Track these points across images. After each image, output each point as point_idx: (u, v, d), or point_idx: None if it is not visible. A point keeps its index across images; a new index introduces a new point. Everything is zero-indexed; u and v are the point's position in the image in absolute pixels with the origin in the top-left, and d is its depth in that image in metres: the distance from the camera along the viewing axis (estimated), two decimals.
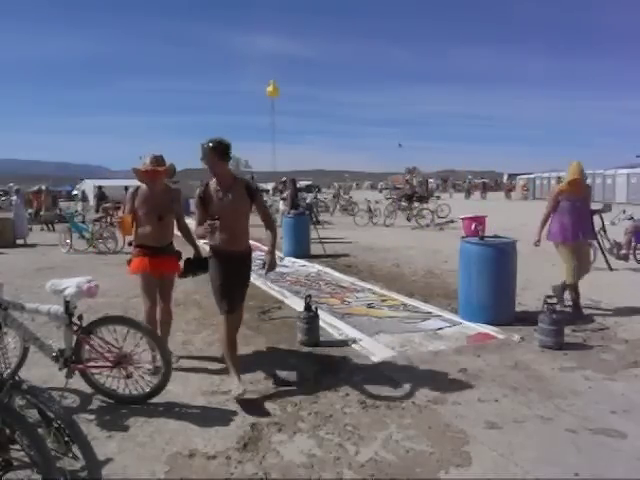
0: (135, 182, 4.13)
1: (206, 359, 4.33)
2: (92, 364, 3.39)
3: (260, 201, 3.80)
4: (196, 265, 4.01)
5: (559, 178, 5.86)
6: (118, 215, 4.90)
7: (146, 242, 3.99)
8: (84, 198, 22.81)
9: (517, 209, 23.80)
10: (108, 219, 13.04)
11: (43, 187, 20.02)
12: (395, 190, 32.03)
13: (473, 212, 13.20)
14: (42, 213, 17.70)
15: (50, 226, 16.93)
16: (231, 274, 3.63)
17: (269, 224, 3.86)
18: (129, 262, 4.07)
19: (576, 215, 5.36)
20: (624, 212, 9.22)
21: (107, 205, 14.17)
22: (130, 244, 4.17)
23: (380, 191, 50.13)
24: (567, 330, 4.63)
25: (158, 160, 4.01)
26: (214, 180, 3.58)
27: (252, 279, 7.78)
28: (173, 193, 4.21)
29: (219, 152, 3.47)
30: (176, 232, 4.24)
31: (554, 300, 4.54)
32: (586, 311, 5.50)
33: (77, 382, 3.49)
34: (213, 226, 3.35)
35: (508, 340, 4.68)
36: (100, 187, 25.53)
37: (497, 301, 5.20)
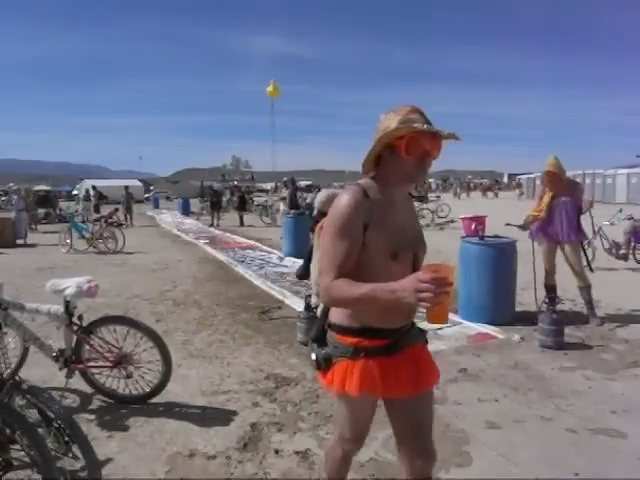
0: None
1: (206, 359, 4.33)
2: (92, 364, 3.39)
3: None
4: None
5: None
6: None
7: (380, 322, 1.71)
8: (87, 198, 22.81)
9: (518, 209, 23.77)
10: (108, 220, 13.01)
11: (40, 188, 19.96)
12: None
13: (473, 212, 13.21)
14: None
15: (34, 225, 16.80)
16: None
17: None
18: (325, 367, 1.78)
19: (551, 214, 5.15)
20: (620, 211, 9.23)
21: (111, 210, 14.20)
22: (324, 332, 1.83)
23: None
24: (567, 330, 4.64)
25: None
26: None
27: (252, 279, 7.86)
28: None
29: None
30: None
31: (555, 299, 4.55)
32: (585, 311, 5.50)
33: (77, 382, 3.49)
34: None
35: (508, 340, 4.68)
36: (94, 187, 25.51)
37: (497, 301, 5.20)
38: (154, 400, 3.44)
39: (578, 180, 5.33)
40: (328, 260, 1.64)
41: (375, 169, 1.73)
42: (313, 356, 1.82)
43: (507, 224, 5.76)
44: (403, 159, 1.62)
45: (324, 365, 1.78)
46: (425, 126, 1.59)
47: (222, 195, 21.87)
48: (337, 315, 1.78)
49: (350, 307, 1.70)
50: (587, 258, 5.47)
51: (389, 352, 1.72)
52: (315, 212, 3.65)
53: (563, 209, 5.10)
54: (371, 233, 1.63)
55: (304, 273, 2.66)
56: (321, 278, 1.67)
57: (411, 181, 1.71)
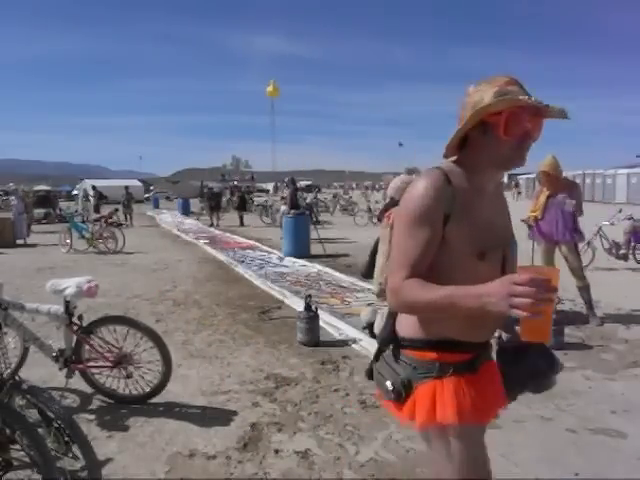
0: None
1: (206, 359, 4.33)
2: (92, 364, 3.39)
3: None
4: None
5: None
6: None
7: (463, 335, 1.39)
8: (86, 198, 22.86)
9: (517, 209, 23.79)
10: (108, 220, 13.01)
11: (40, 188, 20.02)
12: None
13: None
14: None
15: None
16: None
17: None
18: (404, 396, 1.39)
19: (547, 214, 5.16)
20: (620, 211, 9.25)
21: (111, 210, 14.25)
22: (397, 348, 1.45)
23: (377, 190, 50.28)
24: (567, 330, 4.64)
25: None
26: None
27: (252, 279, 7.86)
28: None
29: None
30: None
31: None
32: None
33: (77, 382, 3.49)
34: None
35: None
36: (94, 187, 25.56)
37: None
38: (154, 400, 3.44)
39: (578, 180, 5.31)
40: (399, 256, 1.34)
41: (458, 152, 1.42)
42: (389, 384, 1.41)
43: (525, 218, 5.65)
44: (500, 140, 1.31)
45: (405, 394, 1.39)
46: (533, 99, 1.28)
47: (221, 196, 21.93)
48: (406, 328, 1.43)
49: (422, 314, 1.38)
50: (581, 262, 5.41)
51: (473, 368, 1.41)
52: (387, 200, 3.15)
53: (559, 209, 5.08)
54: (452, 227, 1.32)
55: (369, 271, 2.27)
56: (389, 277, 1.36)
57: (507, 167, 1.38)
